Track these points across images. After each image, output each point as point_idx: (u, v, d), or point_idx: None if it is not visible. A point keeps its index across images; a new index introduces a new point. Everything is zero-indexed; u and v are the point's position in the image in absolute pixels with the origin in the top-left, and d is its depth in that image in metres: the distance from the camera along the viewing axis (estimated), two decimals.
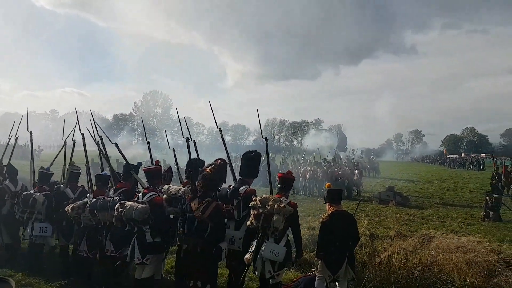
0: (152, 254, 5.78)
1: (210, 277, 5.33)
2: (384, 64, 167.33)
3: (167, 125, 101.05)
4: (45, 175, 8.13)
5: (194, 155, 7.37)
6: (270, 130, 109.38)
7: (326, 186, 6.68)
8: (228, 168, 6.73)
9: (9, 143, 9.97)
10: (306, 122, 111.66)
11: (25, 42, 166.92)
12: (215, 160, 5.98)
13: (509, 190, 23.27)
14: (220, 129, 7.78)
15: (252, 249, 5.53)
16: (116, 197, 6.25)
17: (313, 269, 7.49)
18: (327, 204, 6.38)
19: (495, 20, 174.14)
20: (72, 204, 6.62)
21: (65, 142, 8.62)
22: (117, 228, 6.12)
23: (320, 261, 6.06)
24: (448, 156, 70.40)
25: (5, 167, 8.85)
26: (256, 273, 5.73)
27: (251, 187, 6.25)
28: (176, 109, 9.00)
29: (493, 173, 25.26)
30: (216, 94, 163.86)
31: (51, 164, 8.66)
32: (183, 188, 6.11)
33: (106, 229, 6.37)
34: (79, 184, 7.78)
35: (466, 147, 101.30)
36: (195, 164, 6.49)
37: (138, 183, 7.06)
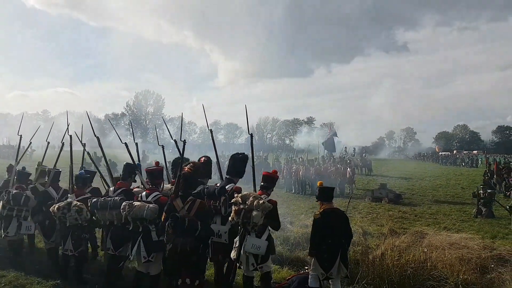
0: (158, 252, 5.90)
1: (198, 273, 5.44)
2: (376, 62, 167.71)
3: (159, 124, 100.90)
4: (24, 174, 8.27)
5: (185, 155, 7.36)
6: (262, 129, 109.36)
7: (318, 184, 6.72)
8: (216, 167, 7.24)
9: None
10: (298, 120, 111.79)
11: (16, 42, 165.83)
12: (199, 158, 6.17)
13: (501, 187, 23.40)
14: (211, 130, 8.03)
15: (236, 245, 5.83)
16: (117, 197, 6.32)
17: (306, 267, 7.44)
18: (319, 202, 6.41)
19: (485, 16, 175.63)
20: (58, 204, 6.66)
21: (48, 143, 8.95)
22: (117, 228, 6.26)
23: (313, 259, 6.05)
24: (440, 153, 70.76)
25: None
26: (242, 267, 5.92)
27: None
28: (182, 114, 9.11)
29: (486, 170, 25.44)
30: (208, 92, 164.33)
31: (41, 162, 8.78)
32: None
33: (106, 229, 6.49)
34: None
35: (458, 144, 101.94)
36: (179, 164, 6.48)
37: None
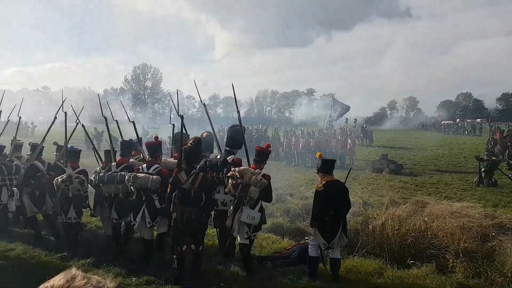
0: (164, 216, 6.65)
1: (201, 239, 6.00)
2: (378, 28, 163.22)
3: (158, 99, 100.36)
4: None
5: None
6: (261, 102, 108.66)
7: (318, 156, 6.77)
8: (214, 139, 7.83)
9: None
10: (298, 92, 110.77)
11: (9, 16, 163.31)
12: (202, 133, 6.65)
13: (504, 156, 23.25)
14: (204, 104, 8.64)
15: (229, 214, 6.41)
16: (123, 172, 6.93)
17: (306, 237, 7.47)
18: (319, 174, 6.38)
19: None
20: (60, 177, 7.10)
21: (55, 118, 9.05)
22: (121, 199, 6.94)
23: (315, 229, 6.12)
24: (442, 122, 70.27)
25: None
26: (234, 234, 6.38)
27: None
28: (177, 91, 9.28)
29: (489, 138, 25.21)
30: (206, 65, 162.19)
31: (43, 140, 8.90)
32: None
33: (111, 200, 7.07)
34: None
35: (461, 113, 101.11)
36: (178, 139, 7.22)
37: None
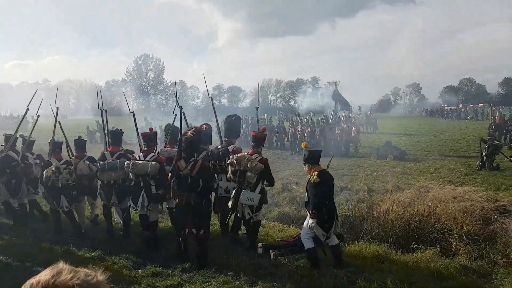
0: (156, 203, 7.21)
1: (203, 224, 6.22)
2: (381, 15, 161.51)
3: (161, 90, 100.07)
4: None
5: (189, 120, 8.25)
6: (266, 91, 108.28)
7: (303, 146, 6.67)
8: (216, 131, 8.28)
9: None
10: (303, 80, 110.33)
11: (8, 9, 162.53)
12: (201, 125, 6.87)
13: (506, 140, 23.35)
14: (211, 98, 8.94)
15: (232, 196, 6.80)
16: (123, 159, 7.38)
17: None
18: (306, 165, 6.29)
19: None
20: (49, 169, 7.41)
21: (57, 108, 9.29)
22: (120, 185, 7.35)
23: (312, 222, 6.04)
24: (445, 108, 70.07)
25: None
26: (238, 214, 6.95)
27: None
28: (175, 83, 9.37)
29: (490, 123, 25.26)
30: (209, 55, 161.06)
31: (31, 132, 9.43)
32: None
33: (110, 187, 7.43)
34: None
35: (464, 98, 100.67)
36: (169, 130, 8.10)
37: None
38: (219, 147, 7.68)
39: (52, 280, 1.32)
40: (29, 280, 1.36)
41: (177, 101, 7.62)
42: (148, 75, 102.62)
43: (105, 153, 7.74)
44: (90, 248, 6.94)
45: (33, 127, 9.61)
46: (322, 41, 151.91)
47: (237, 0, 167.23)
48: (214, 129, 8.32)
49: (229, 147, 7.41)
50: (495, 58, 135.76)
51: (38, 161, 8.74)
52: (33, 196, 8.75)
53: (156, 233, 7.20)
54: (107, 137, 8.40)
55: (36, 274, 1.37)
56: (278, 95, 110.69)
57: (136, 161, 7.00)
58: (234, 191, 6.83)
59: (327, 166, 6.52)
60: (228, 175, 6.85)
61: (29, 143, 9.13)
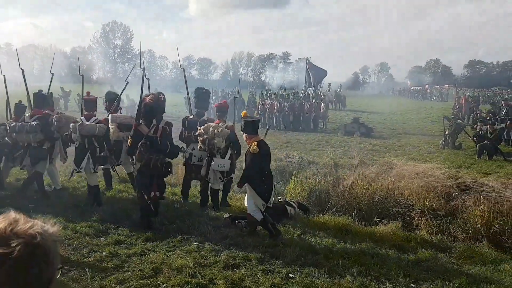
0: (101, 165, 7.55)
1: (165, 187, 6.61)
2: None
3: (128, 59, 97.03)
4: None
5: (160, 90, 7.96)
6: (237, 64, 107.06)
7: (243, 115, 6.56)
8: (186, 102, 8.61)
9: None
10: (274, 55, 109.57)
11: None
12: (159, 95, 6.84)
13: (469, 120, 24.06)
14: (183, 69, 9.20)
15: (205, 165, 7.28)
16: (33, 122, 7.38)
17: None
18: (244, 135, 6.23)
19: None
20: None
21: (52, 74, 9.52)
22: (34, 148, 7.46)
23: (251, 192, 6.04)
24: (411, 88, 71.44)
25: None
26: (209, 182, 7.40)
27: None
28: (140, 43, 9.02)
29: (455, 103, 25.94)
30: (179, 24, 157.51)
31: None
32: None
33: (24, 149, 7.53)
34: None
35: (430, 79, 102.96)
36: (112, 98, 8.29)
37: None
38: (191, 117, 7.88)
39: (10, 227, 1.16)
40: None
41: (140, 62, 7.60)
42: (115, 42, 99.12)
43: (26, 115, 7.79)
44: (52, 214, 6.56)
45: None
46: (295, 14, 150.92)
47: None
48: (183, 101, 8.47)
49: (204, 118, 7.71)
50: (461, 39, 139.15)
51: None
52: None
53: (99, 195, 7.43)
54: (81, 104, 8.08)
55: None
56: (249, 68, 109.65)
57: (83, 122, 7.05)
58: (206, 160, 7.25)
59: (264, 136, 6.96)
60: (198, 145, 7.21)
61: None
